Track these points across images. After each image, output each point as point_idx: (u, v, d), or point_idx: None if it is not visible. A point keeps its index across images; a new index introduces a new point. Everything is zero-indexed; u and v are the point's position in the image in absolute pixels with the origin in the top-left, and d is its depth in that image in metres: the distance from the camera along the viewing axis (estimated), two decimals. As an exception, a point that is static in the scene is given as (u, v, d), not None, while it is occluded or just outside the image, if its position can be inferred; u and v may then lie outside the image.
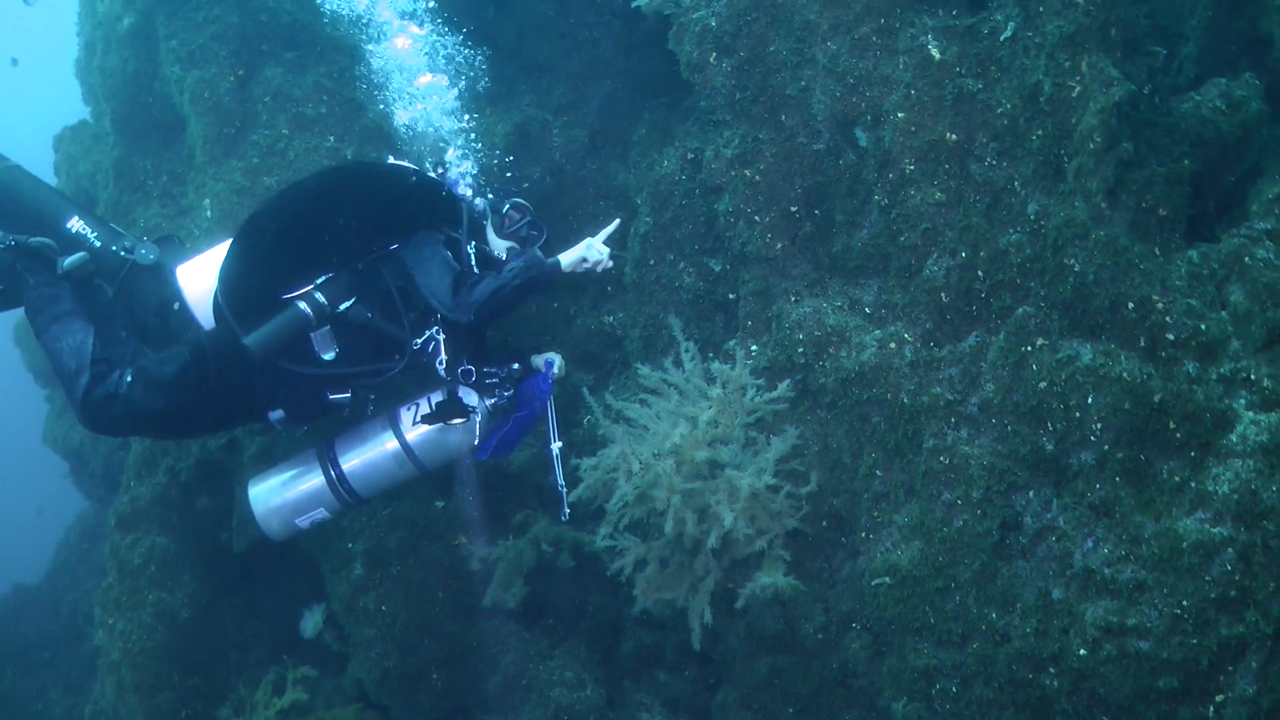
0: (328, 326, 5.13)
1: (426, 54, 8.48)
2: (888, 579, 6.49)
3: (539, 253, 5.46)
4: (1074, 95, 6.04)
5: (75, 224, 5.58)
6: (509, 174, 9.08)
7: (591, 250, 5.81)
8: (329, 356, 5.18)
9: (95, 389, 5.04)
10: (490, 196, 5.78)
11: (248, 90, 9.09)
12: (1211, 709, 5.57)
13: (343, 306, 5.15)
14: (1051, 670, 5.94)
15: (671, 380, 7.10)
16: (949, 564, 6.32)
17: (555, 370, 5.69)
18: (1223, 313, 5.98)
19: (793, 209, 7.30)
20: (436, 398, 5.36)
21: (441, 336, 5.35)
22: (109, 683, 9.35)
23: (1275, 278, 5.83)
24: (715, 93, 7.53)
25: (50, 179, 12.17)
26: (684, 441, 6.75)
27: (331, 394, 5.30)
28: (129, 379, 5.06)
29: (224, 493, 9.62)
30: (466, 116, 8.56)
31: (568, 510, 6.11)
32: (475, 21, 9.62)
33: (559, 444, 5.75)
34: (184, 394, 5.13)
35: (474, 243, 5.70)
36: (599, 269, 5.91)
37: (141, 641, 9.13)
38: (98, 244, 5.56)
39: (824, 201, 7.28)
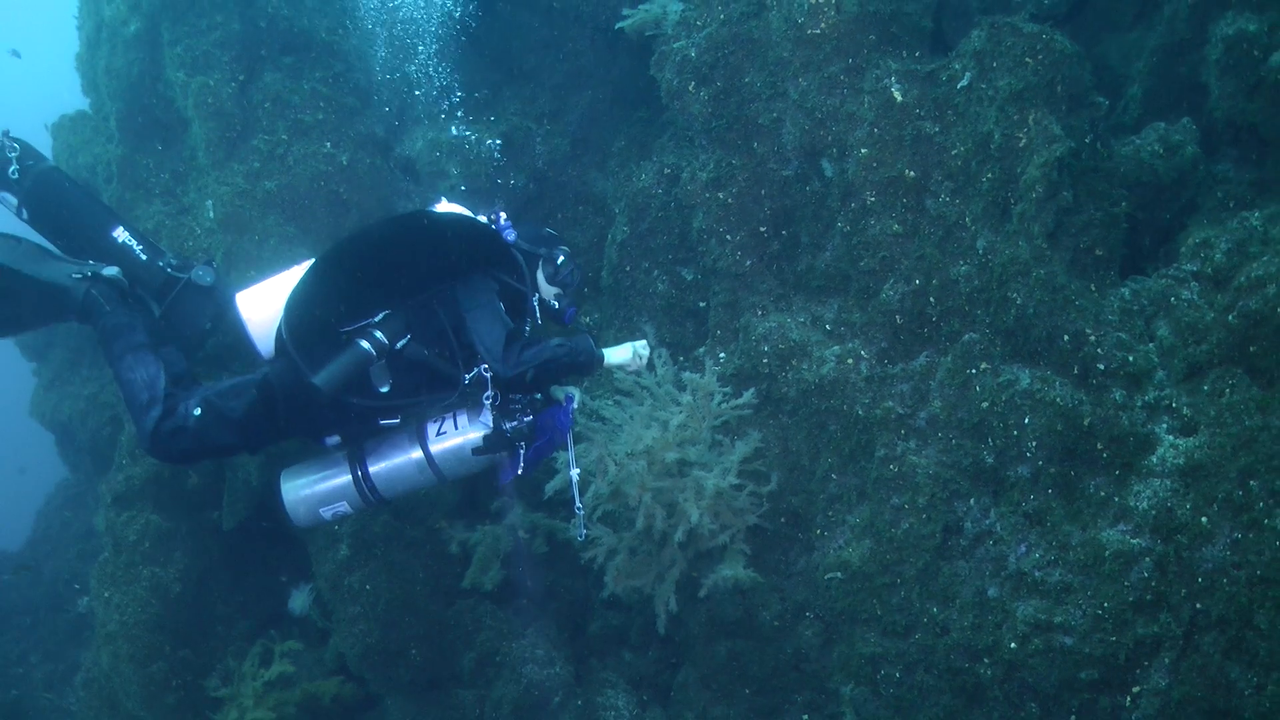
0: (384, 361, 5.27)
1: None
2: (839, 574, 7.00)
3: (591, 340, 5.57)
4: (1021, 145, 6.56)
5: (120, 234, 5.59)
6: (498, 180, 9.51)
7: (636, 359, 5.99)
8: (384, 389, 5.33)
9: (165, 422, 5.12)
10: (544, 250, 5.91)
11: (248, 95, 9.33)
12: (1129, 699, 6.11)
13: (400, 344, 5.27)
14: (986, 660, 6.46)
15: (644, 384, 7.51)
16: (896, 562, 6.83)
17: (574, 405, 5.91)
18: (1150, 345, 6.51)
19: (761, 229, 7.77)
20: (461, 417, 5.47)
21: (490, 374, 5.41)
22: (105, 653, 9.69)
23: (1197, 317, 6.36)
24: (693, 119, 7.98)
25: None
26: (655, 443, 7.20)
27: (383, 420, 5.44)
28: (197, 413, 5.16)
29: (214, 473, 9.94)
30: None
31: (584, 531, 6.43)
32: (466, 33, 10.05)
33: (577, 470, 5.91)
34: (251, 428, 5.26)
35: (537, 294, 5.90)
36: (631, 371, 6.13)
37: (136, 614, 9.49)
38: (143, 258, 5.60)
39: (791, 224, 7.75)
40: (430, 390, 5.43)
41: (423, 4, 10.19)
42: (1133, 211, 7.01)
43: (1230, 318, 6.21)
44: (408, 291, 5.31)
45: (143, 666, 9.44)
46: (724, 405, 7.39)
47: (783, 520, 7.51)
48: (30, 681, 14.50)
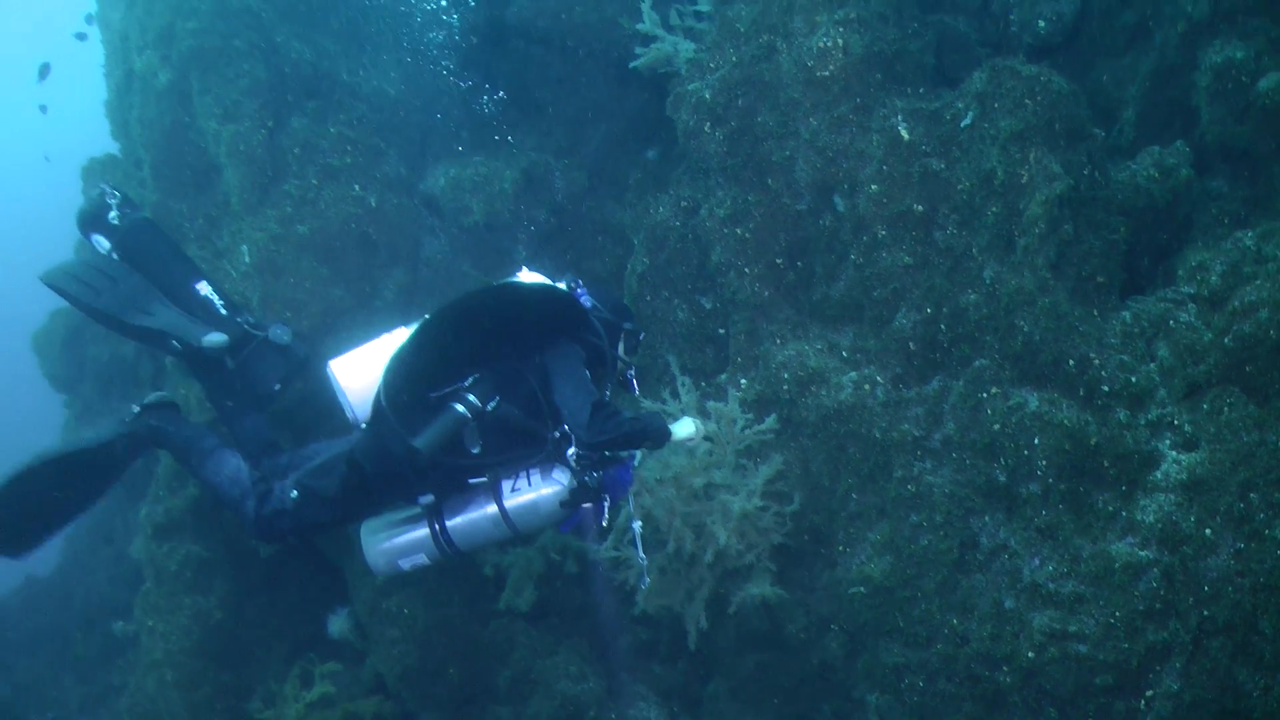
0: (476, 422, 5.37)
1: None
2: (862, 588, 7.35)
3: (662, 419, 5.70)
4: (1023, 182, 6.93)
5: (203, 288, 5.72)
6: (520, 215, 9.86)
7: (697, 432, 6.07)
8: (476, 450, 5.41)
9: (263, 508, 5.32)
10: (628, 324, 6.04)
11: (277, 141, 9.59)
12: (1142, 702, 6.45)
13: (490, 405, 5.37)
14: (1004, 668, 6.80)
15: (670, 411, 7.82)
16: (916, 576, 7.18)
17: (636, 462, 6.01)
18: (1151, 366, 6.86)
19: (778, 261, 8.12)
20: (534, 474, 5.53)
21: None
22: (150, 679, 10.01)
23: (1195, 338, 6.71)
24: (709, 157, 8.33)
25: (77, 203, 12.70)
26: (683, 469, 7.56)
27: (471, 478, 5.53)
28: (294, 495, 5.33)
29: None
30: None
31: (647, 579, 6.62)
32: (480, 68, 10.38)
33: (639, 523, 6.05)
34: (348, 502, 5.43)
35: (632, 369, 6.15)
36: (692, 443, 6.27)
37: (180, 641, 9.84)
38: (223, 312, 5.72)
39: (805, 255, 8.09)
40: (518, 448, 5.54)
41: (439, 40, 10.55)
42: (1130, 234, 7.35)
43: (1226, 340, 6.54)
44: (497, 357, 5.48)
45: (188, 692, 9.77)
46: (747, 431, 7.72)
47: (806, 538, 7.83)
48: (66, 704, 14.75)
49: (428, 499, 5.53)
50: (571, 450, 5.48)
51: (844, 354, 7.76)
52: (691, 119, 8.34)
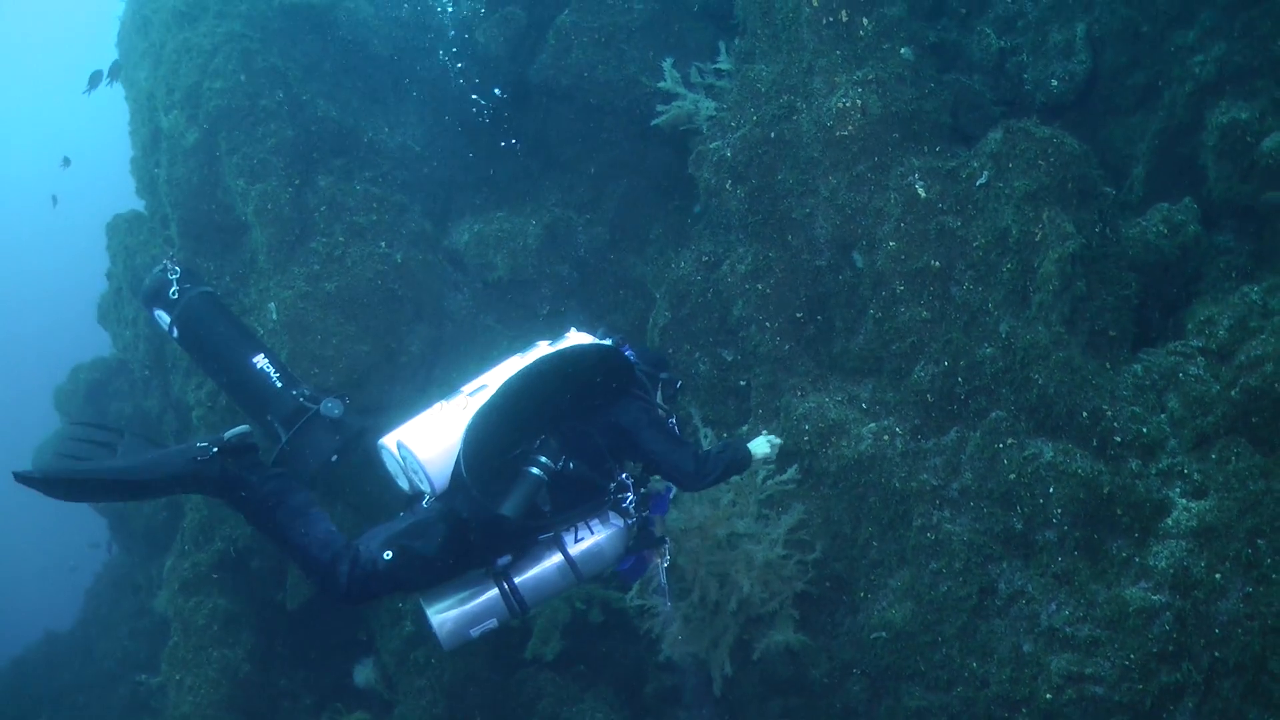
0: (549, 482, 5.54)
1: None
2: (884, 633, 7.46)
3: (744, 444, 6.08)
4: (1037, 239, 7.12)
5: (260, 360, 5.66)
6: (545, 270, 10.08)
7: (772, 449, 6.33)
8: (547, 508, 5.55)
9: (355, 571, 5.17)
10: (664, 374, 6.24)
11: (304, 199, 9.82)
12: (1158, 743, 6.56)
13: (561, 465, 5.52)
14: (1024, 710, 6.89)
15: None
16: (936, 621, 7.29)
17: (671, 496, 6.24)
18: (1162, 417, 7.03)
19: (798, 314, 8.31)
20: (595, 524, 5.70)
21: (631, 480, 5.75)
22: (179, 733, 10.14)
23: (1203, 391, 6.90)
24: (730, 214, 8.56)
25: (104, 262, 12.97)
26: (707, 520, 7.70)
27: (541, 535, 5.63)
28: (387, 557, 5.23)
29: (275, 555, 10.33)
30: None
31: (668, 602, 6.77)
32: (503, 125, 10.62)
33: (667, 561, 6.27)
34: (444, 564, 5.39)
35: (673, 418, 6.25)
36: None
37: (209, 694, 9.91)
38: (278, 385, 5.66)
39: (825, 309, 8.29)
40: (583, 503, 5.69)
41: (458, 95, 10.79)
42: (1141, 288, 7.55)
43: (1234, 393, 6.73)
44: (564, 418, 5.66)
45: (218, 745, 9.85)
46: (769, 481, 7.87)
47: (828, 585, 7.95)
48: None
49: (505, 560, 5.60)
50: (630, 497, 5.71)
51: (863, 406, 7.92)
52: (713, 177, 8.57)
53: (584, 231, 10.59)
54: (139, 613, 14.99)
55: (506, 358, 5.87)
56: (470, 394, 5.68)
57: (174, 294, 5.73)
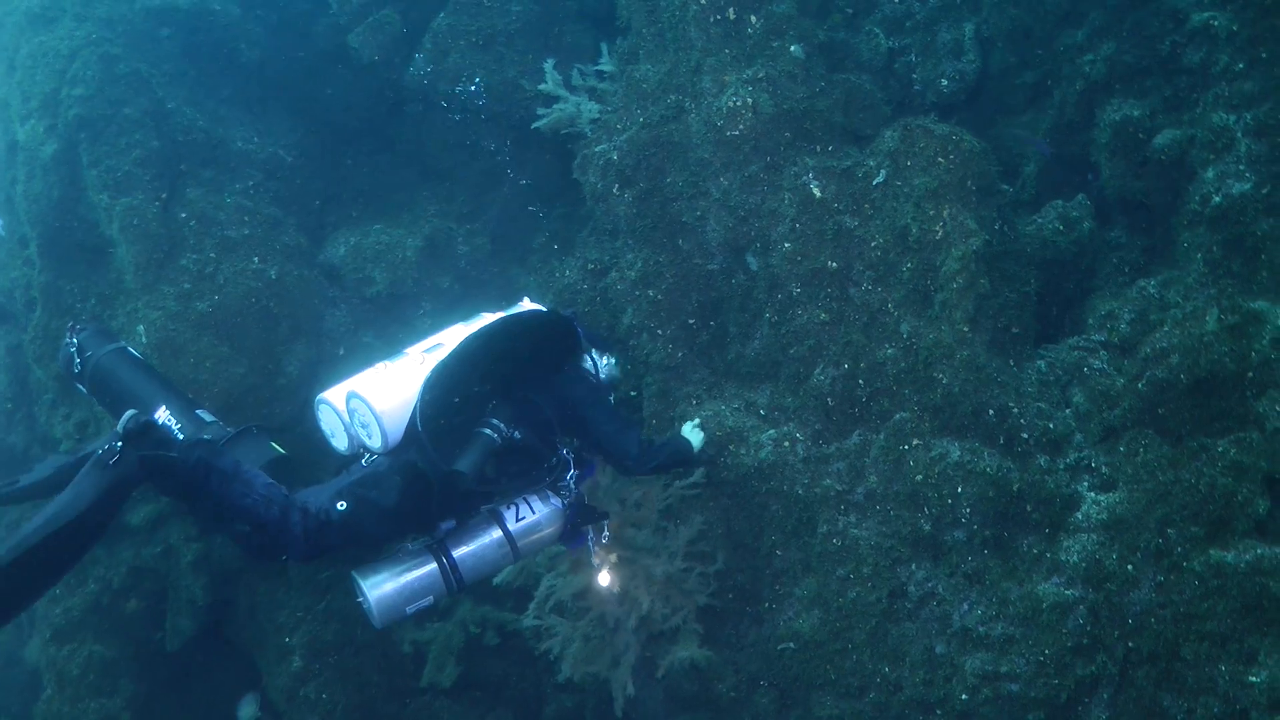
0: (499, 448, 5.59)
1: None
2: (792, 644, 7.27)
3: (684, 437, 6.62)
4: (938, 238, 6.99)
5: (162, 414, 5.37)
6: (424, 283, 9.77)
7: (704, 436, 6.92)
8: (492, 475, 5.62)
9: (309, 523, 5.01)
10: (614, 355, 6.50)
11: (172, 213, 9.36)
12: (1074, 735, 6.50)
13: (514, 432, 5.61)
14: (939, 713, 6.78)
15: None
16: (845, 628, 7.11)
17: (596, 466, 6.42)
18: (1067, 412, 6.98)
19: (690, 321, 8.09)
20: (536, 502, 5.79)
21: (571, 456, 5.87)
22: (57, 793, 9.54)
23: (1108, 384, 6.87)
24: (617, 219, 8.31)
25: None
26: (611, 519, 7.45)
27: (484, 504, 5.70)
28: (341, 507, 5.10)
29: (153, 594, 9.91)
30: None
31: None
32: (382, 133, 10.29)
33: (606, 536, 6.62)
34: (403, 517, 5.33)
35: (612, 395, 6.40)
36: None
37: (87, 751, 9.36)
38: (180, 438, 5.28)
39: (718, 315, 8.09)
40: (526, 473, 5.77)
41: (331, 102, 10.45)
42: (1040, 285, 7.50)
43: (1140, 385, 6.68)
44: (514, 384, 5.73)
45: (99, 803, 9.32)
46: (673, 485, 7.64)
47: (731, 596, 7.74)
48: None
49: (449, 524, 5.64)
50: (572, 473, 5.85)
51: (761, 412, 7.74)
52: (599, 181, 8.33)
53: (465, 242, 10.30)
54: (6, 664, 14.31)
55: (453, 324, 5.96)
56: (426, 350, 5.68)
57: (77, 368, 5.62)
